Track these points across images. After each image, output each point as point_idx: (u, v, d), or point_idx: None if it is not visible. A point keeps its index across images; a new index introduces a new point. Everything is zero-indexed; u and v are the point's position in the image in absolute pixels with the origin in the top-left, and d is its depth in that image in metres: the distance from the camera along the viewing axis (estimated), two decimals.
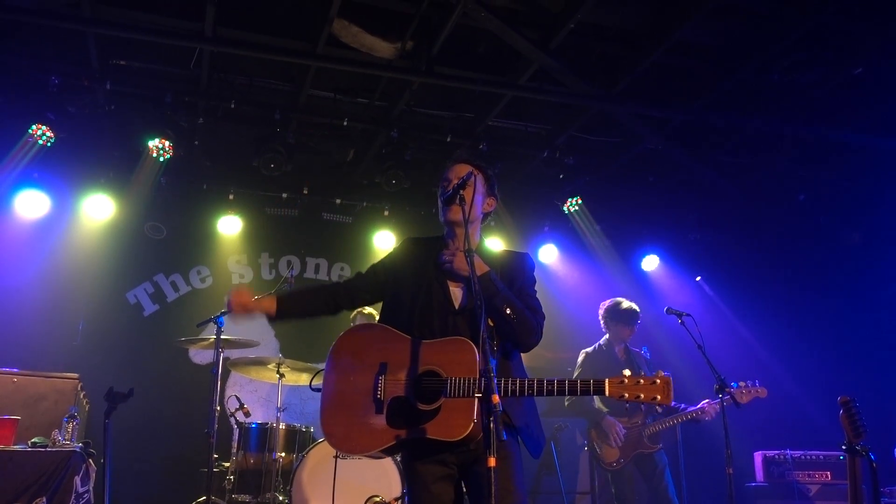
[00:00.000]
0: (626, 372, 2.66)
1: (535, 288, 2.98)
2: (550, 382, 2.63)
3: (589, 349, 5.84)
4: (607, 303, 5.81)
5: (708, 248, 8.13)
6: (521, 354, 2.92)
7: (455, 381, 2.59)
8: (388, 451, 2.75)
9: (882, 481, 5.00)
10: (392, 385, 2.69)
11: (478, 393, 2.52)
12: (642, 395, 2.59)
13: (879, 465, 3.08)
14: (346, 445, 2.77)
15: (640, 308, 5.74)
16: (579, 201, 7.26)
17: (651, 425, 5.48)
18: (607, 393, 2.61)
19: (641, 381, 2.62)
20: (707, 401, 5.32)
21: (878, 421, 5.26)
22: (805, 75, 5.70)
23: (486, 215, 3.03)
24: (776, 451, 5.92)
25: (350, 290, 3.07)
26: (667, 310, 4.94)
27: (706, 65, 5.76)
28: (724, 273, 7.88)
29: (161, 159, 6.22)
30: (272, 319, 3.04)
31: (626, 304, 5.73)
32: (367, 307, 5.65)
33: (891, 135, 6.23)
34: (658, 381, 2.61)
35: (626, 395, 2.61)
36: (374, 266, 3.09)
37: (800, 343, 7.41)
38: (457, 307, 2.81)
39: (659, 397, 2.59)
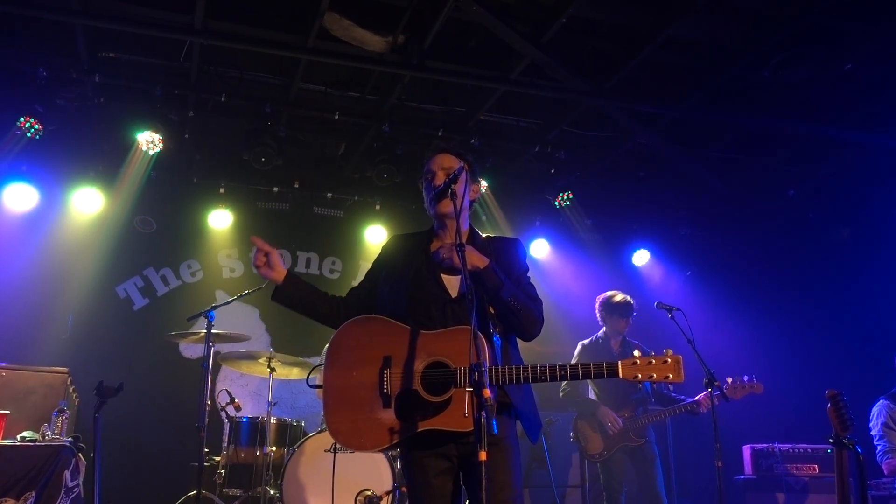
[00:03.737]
0: (637, 353, 2.65)
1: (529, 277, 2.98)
2: (563, 367, 2.62)
3: (585, 341, 5.91)
4: (602, 296, 5.87)
5: (698, 244, 8.18)
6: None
7: (465, 370, 2.57)
8: (399, 446, 2.70)
9: (869, 474, 5.04)
10: (398, 378, 2.64)
11: (469, 388, 2.52)
12: (655, 375, 2.60)
13: (866, 458, 3.11)
14: (356, 442, 2.68)
15: (634, 300, 5.79)
16: (570, 196, 7.27)
17: (639, 418, 5.53)
18: (621, 375, 2.60)
19: (653, 360, 2.62)
20: (704, 393, 5.33)
21: (866, 414, 5.32)
22: (796, 72, 5.73)
23: (472, 202, 3.03)
24: (765, 445, 5.96)
25: (348, 308, 2.96)
26: (657, 304, 4.96)
27: (697, 61, 5.77)
28: (713, 268, 7.93)
29: (151, 153, 6.19)
30: (274, 295, 2.95)
31: (619, 296, 5.78)
32: None
33: (881, 131, 6.27)
34: (669, 359, 2.63)
35: (640, 375, 2.61)
36: (367, 275, 3.06)
37: (788, 337, 7.46)
38: (454, 296, 2.79)
39: (671, 376, 2.60)
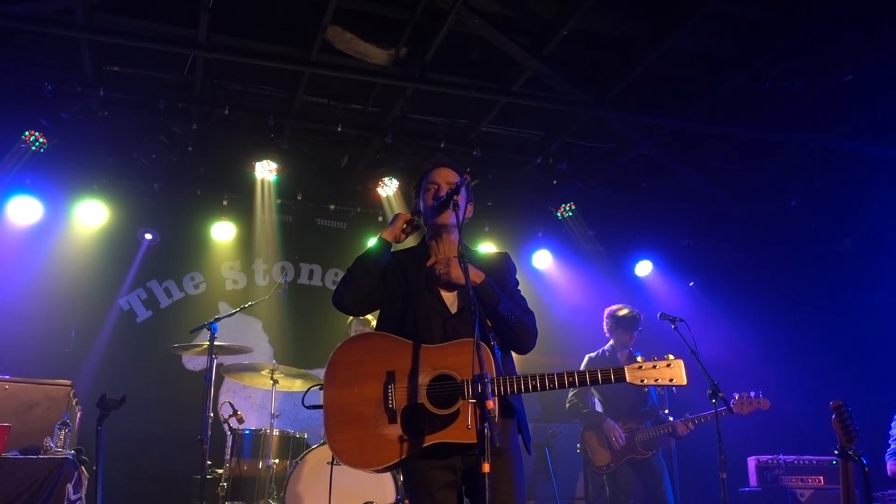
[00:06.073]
0: (640, 358, 2.72)
1: (524, 291, 3.00)
2: (571, 374, 2.64)
3: (593, 354, 5.88)
4: (609, 309, 5.89)
5: (700, 254, 8.18)
6: (516, 359, 2.93)
7: (472, 382, 2.56)
8: (406, 462, 2.65)
9: (874, 485, 5.02)
10: (403, 393, 2.61)
11: (468, 396, 2.50)
12: (659, 379, 2.67)
13: (871, 470, 3.10)
14: (362, 460, 2.60)
15: (640, 314, 5.78)
16: (573, 207, 7.28)
17: (646, 431, 5.50)
18: (628, 379, 2.66)
19: (656, 364, 2.70)
20: (683, 419, 5.42)
21: (870, 425, 5.29)
22: (796, 83, 5.75)
23: (466, 219, 3.05)
24: (769, 456, 5.93)
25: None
26: (660, 315, 4.96)
27: (698, 72, 5.80)
28: (716, 279, 7.92)
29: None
30: (383, 246, 2.92)
31: (625, 310, 5.79)
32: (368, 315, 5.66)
33: (881, 141, 6.28)
34: (671, 363, 2.70)
35: (645, 379, 2.68)
36: None
37: (792, 348, 7.44)
38: (453, 312, 2.80)
39: (675, 379, 2.67)
